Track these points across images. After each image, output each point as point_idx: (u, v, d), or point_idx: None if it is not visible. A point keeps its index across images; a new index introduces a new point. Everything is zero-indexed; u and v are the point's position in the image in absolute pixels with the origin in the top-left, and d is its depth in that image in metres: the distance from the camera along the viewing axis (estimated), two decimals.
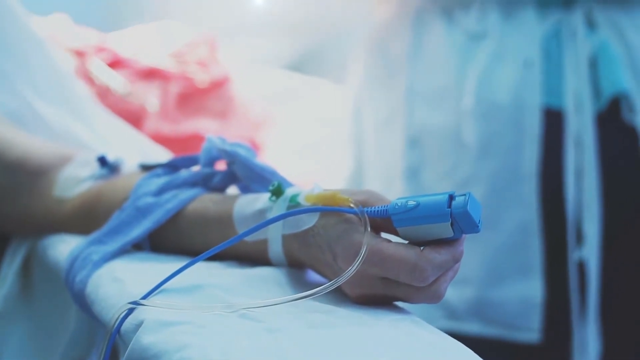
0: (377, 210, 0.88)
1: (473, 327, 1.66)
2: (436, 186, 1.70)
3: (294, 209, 0.93)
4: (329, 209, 0.90)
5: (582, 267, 1.63)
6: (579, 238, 1.62)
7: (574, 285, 1.63)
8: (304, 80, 2.37)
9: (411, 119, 1.73)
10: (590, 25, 1.64)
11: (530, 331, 1.64)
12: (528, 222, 1.63)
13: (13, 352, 1.17)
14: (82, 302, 0.99)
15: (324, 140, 2.13)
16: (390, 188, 1.76)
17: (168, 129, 1.80)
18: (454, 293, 1.67)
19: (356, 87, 1.87)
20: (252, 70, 2.21)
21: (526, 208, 1.63)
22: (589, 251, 1.61)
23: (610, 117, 1.63)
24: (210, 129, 1.82)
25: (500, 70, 1.65)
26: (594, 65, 1.63)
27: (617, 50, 1.62)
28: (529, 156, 1.63)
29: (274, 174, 1.00)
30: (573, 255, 1.62)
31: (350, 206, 0.89)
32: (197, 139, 1.80)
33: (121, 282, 0.94)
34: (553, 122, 1.63)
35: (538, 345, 1.65)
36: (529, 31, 1.65)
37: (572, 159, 1.61)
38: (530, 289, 1.64)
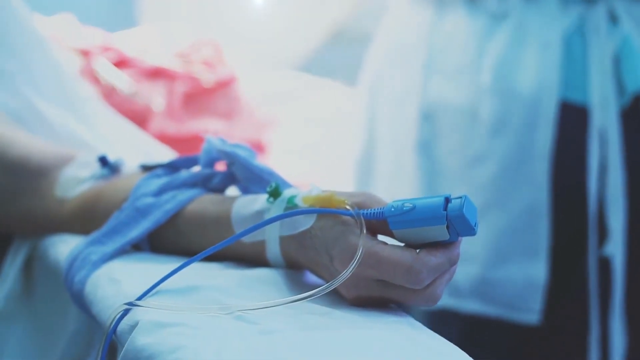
0: (373, 213, 0.88)
1: (474, 306, 1.66)
2: (448, 160, 1.71)
3: (292, 210, 0.93)
4: (326, 211, 0.90)
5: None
6: (601, 234, 1.63)
7: (593, 282, 1.62)
8: (309, 80, 2.37)
9: (426, 94, 1.74)
10: (613, 19, 1.64)
11: (531, 312, 1.65)
12: (537, 203, 1.63)
13: (13, 351, 1.17)
14: (81, 302, 0.99)
15: (328, 139, 2.13)
16: (401, 162, 1.77)
17: (173, 128, 1.80)
18: (458, 271, 1.67)
19: (373, 65, 1.87)
20: (257, 71, 2.21)
21: (536, 189, 1.63)
22: (615, 247, 1.61)
23: (633, 113, 1.63)
24: (215, 129, 1.82)
25: (520, 51, 1.66)
26: (617, 60, 1.63)
27: (639, 46, 1.62)
28: (542, 136, 1.63)
29: (272, 174, 1.00)
30: (594, 251, 1.62)
31: (346, 208, 0.89)
32: (202, 139, 1.80)
33: (119, 282, 0.94)
34: (577, 118, 1.63)
35: (538, 327, 1.65)
36: (550, 15, 1.65)
37: (597, 154, 1.61)
38: (534, 271, 1.64)
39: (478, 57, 1.68)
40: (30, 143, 1.18)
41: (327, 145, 2.12)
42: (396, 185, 1.82)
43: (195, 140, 1.81)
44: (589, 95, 1.62)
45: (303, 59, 2.85)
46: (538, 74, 1.63)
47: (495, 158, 1.66)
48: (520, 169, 1.65)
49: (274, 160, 1.91)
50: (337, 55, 2.86)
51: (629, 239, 1.63)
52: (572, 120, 1.64)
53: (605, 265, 1.64)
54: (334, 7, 2.89)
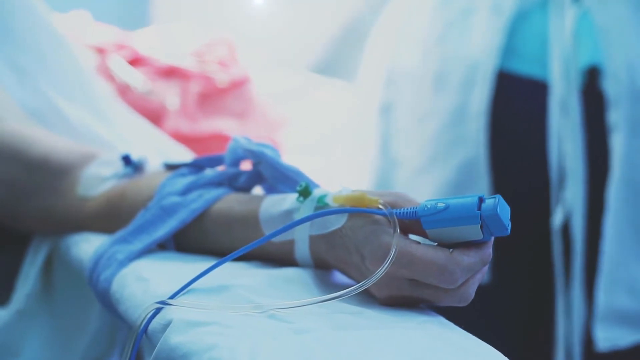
0: (407, 212, 0.88)
1: None
2: (402, 120, 1.76)
3: (322, 210, 0.92)
4: (358, 210, 0.90)
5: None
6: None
7: (557, 250, 1.63)
8: (314, 79, 2.37)
9: (392, 60, 1.79)
10: None
11: None
12: (475, 160, 1.65)
13: (34, 350, 1.17)
14: (107, 301, 0.98)
15: (333, 138, 2.13)
16: (366, 126, 1.82)
17: (187, 127, 1.80)
18: None
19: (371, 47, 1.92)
20: (262, 70, 2.21)
21: (473, 146, 1.65)
22: (575, 217, 1.62)
23: (590, 89, 1.64)
24: (229, 129, 1.81)
25: (470, 16, 1.69)
26: (576, 35, 1.64)
27: (598, 21, 1.63)
28: (478, 96, 1.65)
29: (299, 174, 1.00)
30: (556, 222, 1.63)
31: (379, 207, 0.89)
32: (216, 138, 1.80)
33: (147, 281, 0.94)
34: (537, 92, 1.64)
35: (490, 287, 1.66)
36: None
37: (557, 128, 1.62)
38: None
39: (431, 24, 1.72)
40: (50, 141, 1.18)
41: (331, 144, 2.12)
42: (356, 149, 1.85)
43: (209, 139, 1.81)
44: (549, 70, 1.64)
45: (308, 58, 2.85)
46: (482, 38, 1.66)
47: (437, 116, 1.69)
48: (459, 127, 1.67)
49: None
50: (343, 53, 2.86)
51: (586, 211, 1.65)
52: (532, 94, 1.65)
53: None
54: (339, 5, 2.89)
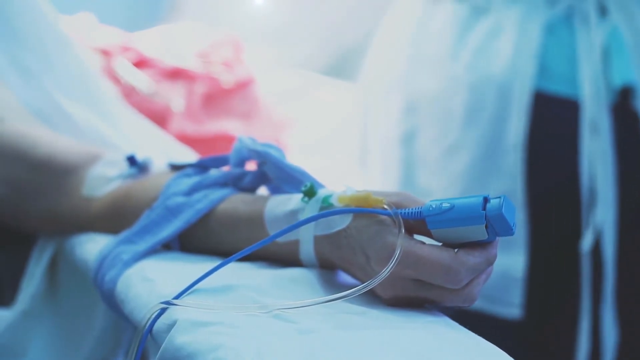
0: (412, 212, 0.88)
1: None
2: (427, 151, 1.72)
3: (327, 210, 0.92)
4: (363, 211, 0.90)
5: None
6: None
7: (586, 273, 1.62)
8: (315, 79, 2.37)
9: (410, 86, 1.74)
10: (602, 11, 1.63)
11: (511, 306, 1.63)
12: (511, 193, 1.63)
13: (39, 350, 1.17)
14: (112, 301, 0.99)
15: (333, 139, 2.13)
16: (387, 154, 1.78)
17: (192, 129, 1.80)
18: None
19: (370, 60, 1.88)
20: (264, 70, 2.21)
21: (510, 179, 1.63)
22: (606, 239, 1.61)
23: (622, 107, 1.62)
24: (234, 130, 1.81)
25: (497, 40, 1.65)
26: (605, 52, 1.62)
27: (627, 38, 1.61)
28: (515, 126, 1.63)
29: (304, 174, 1.00)
30: (586, 244, 1.61)
31: (384, 207, 0.89)
32: (221, 139, 1.80)
33: (152, 281, 0.94)
34: (568, 111, 1.62)
35: (522, 321, 1.64)
36: (534, 5, 1.64)
37: (588, 147, 1.61)
38: (512, 263, 1.62)
39: (457, 48, 1.68)
40: (55, 142, 1.18)
41: (332, 145, 2.13)
42: (381, 179, 1.83)
43: (214, 140, 1.81)
44: (580, 88, 1.62)
45: (309, 58, 2.85)
46: (512, 62, 1.63)
47: (469, 148, 1.66)
48: (494, 159, 1.64)
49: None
50: (342, 53, 2.86)
51: (618, 232, 1.63)
52: (562, 113, 1.63)
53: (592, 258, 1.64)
54: (340, 4, 2.89)
